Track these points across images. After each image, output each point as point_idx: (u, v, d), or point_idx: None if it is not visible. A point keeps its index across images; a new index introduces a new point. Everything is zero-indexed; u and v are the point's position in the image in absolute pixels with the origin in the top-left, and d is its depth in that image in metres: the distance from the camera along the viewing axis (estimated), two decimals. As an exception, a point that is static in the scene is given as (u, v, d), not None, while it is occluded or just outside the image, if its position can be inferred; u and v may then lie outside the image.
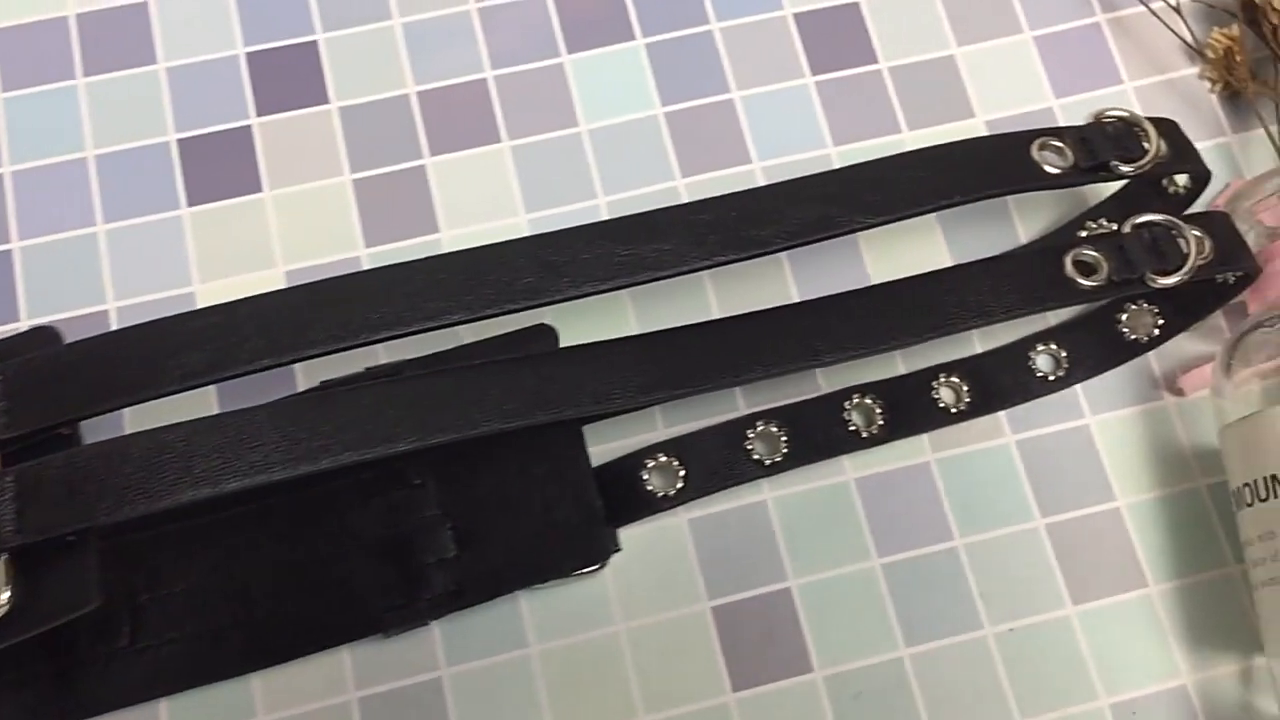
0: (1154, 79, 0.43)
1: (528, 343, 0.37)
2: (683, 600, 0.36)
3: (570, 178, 0.41)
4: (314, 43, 0.42)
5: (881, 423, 0.38)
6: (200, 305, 0.38)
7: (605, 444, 0.38)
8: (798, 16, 0.43)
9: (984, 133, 0.42)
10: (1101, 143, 0.34)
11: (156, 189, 0.40)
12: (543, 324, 0.37)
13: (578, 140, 0.41)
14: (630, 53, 0.42)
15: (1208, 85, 0.42)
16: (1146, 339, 0.39)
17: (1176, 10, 0.41)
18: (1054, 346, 0.39)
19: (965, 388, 0.38)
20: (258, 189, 0.40)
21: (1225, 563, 0.37)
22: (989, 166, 0.33)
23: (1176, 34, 0.41)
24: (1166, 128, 0.35)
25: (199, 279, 0.39)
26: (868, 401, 0.38)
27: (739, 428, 0.37)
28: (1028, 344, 0.39)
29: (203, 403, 0.37)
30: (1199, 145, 0.41)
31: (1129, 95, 0.42)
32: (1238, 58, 0.41)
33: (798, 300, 0.39)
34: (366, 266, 0.39)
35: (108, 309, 0.38)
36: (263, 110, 0.41)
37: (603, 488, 0.36)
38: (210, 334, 0.30)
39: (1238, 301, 0.38)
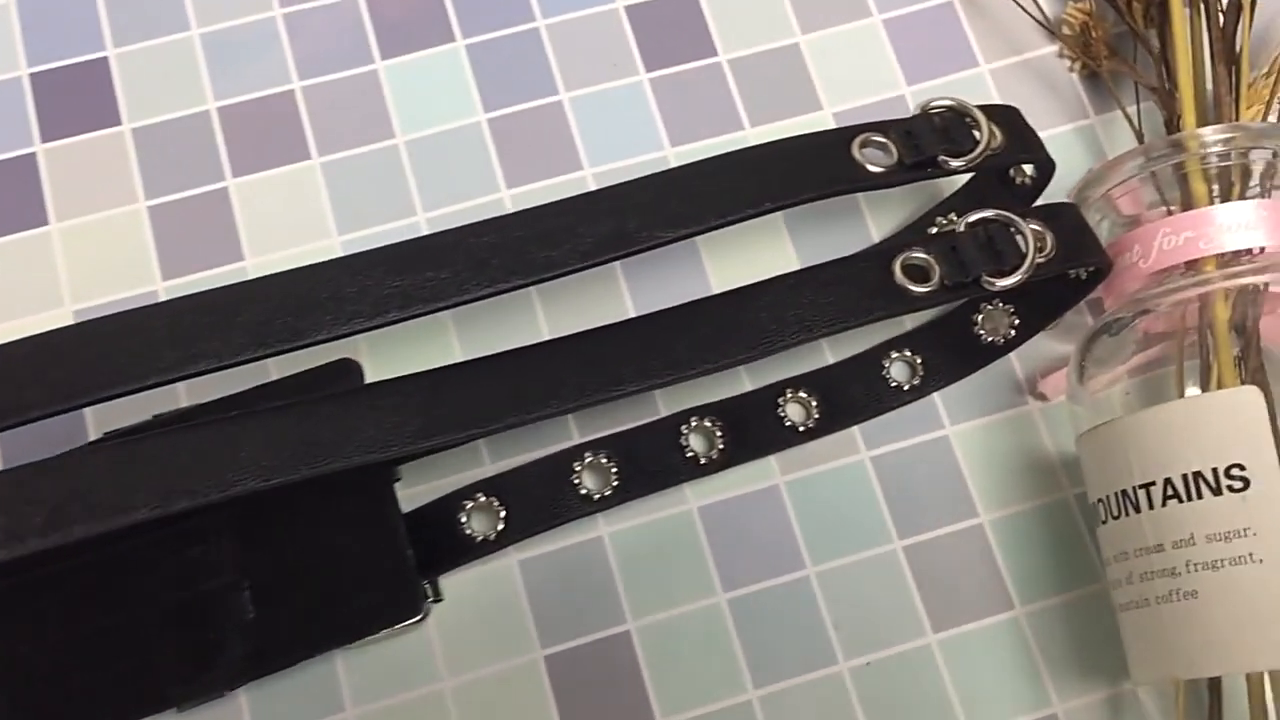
0: (1011, 60, 0.40)
1: (329, 380, 0.34)
2: (513, 650, 0.33)
3: (387, 194, 0.38)
4: (104, 59, 0.39)
5: (722, 446, 0.35)
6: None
7: (426, 483, 0.35)
8: (630, 9, 0.40)
9: (831, 125, 0.39)
10: (928, 136, 0.31)
11: (-69, 227, 0.37)
12: (345, 359, 0.34)
13: (394, 153, 0.38)
14: (449, 55, 0.39)
15: (1067, 64, 0.40)
16: (1003, 341, 0.36)
17: (1025, -14, 0.39)
18: (909, 353, 0.36)
19: (814, 403, 0.36)
20: (43, 222, 0.37)
21: (1096, 579, 0.35)
22: (806, 168, 0.30)
23: (1027, 11, 0.38)
24: (1006, 115, 0.33)
25: (-23, 324, 0.36)
26: (707, 424, 0.35)
27: (565, 461, 0.34)
28: (881, 351, 0.36)
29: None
30: (1059, 129, 0.39)
31: (985, 78, 0.40)
32: (1095, 34, 0.38)
33: (634, 315, 0.37)
34: (164, 299, 0.36)
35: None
36: (48, 136, 0.38)
37: (417, 533, 0.33)
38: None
39: (1096, 297, 0.35)
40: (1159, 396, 0.32)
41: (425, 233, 0.37)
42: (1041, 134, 0.39)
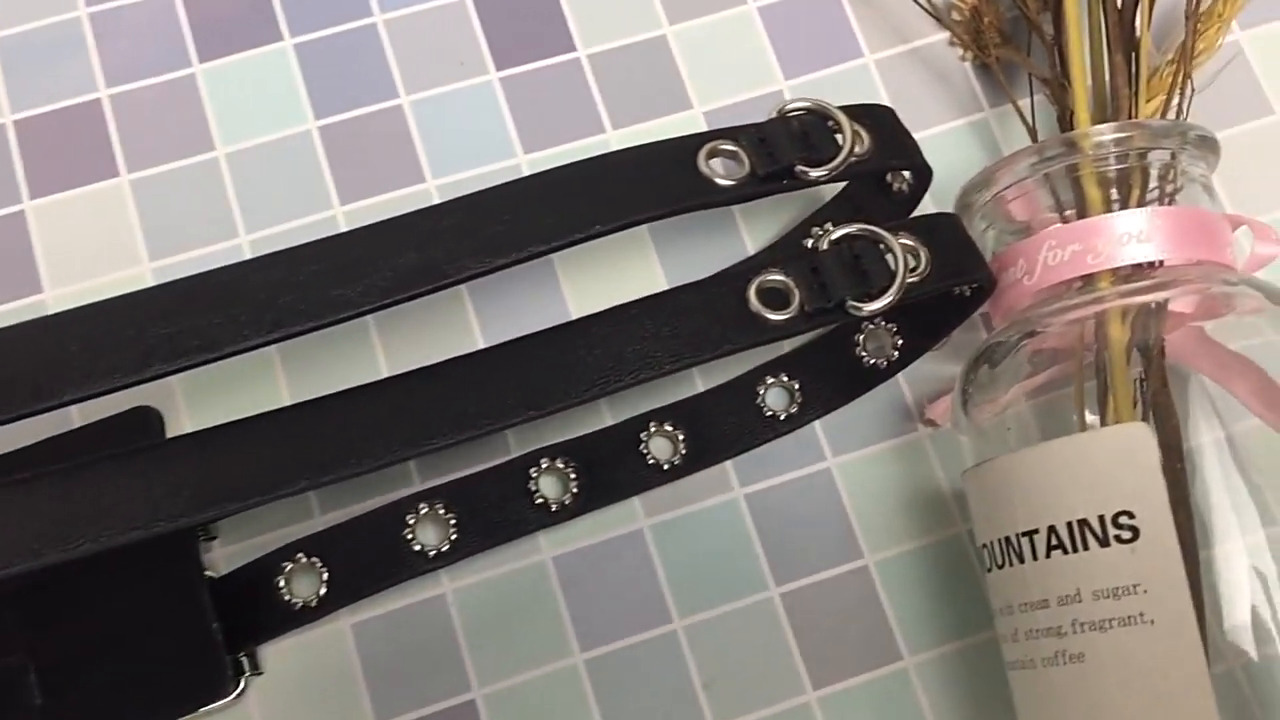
0: (898, 49, 0.36)
1: (125, 431, 0.30)
2: (343, 725, 0.30)
3: (206, 214, 0.34)
4: (-116, 69, 0.35)
5: (576, 490, 0.31)
6: None
7: (250, 539, 0.31)
8: (479, 1, 0.36)
9: (702, 128, 0.35)
10: (784, 143, 0.27)
11: None
12: (142, 407, 0.30)
13: (214, 167, 0.34)
14: (276, 56, 0.35)
15: (959, 54, 0.36)
16: (887, 363, 0.33)
17: (906, -31, 0.35)
18: (786, 378, 0.33)
19: (681, 437, 0.32)
20: None
21: (989, 625, 0.31)
22: (645, 184, 0.27)
23: (911, -3, 0.35)
24: (876, 116, 0.29)
25: None
26: (559, 465, 0.32)
27: (396, 514, 0.30)
28: (755, 377, 0.33)
29: None
30: (952, 123, 0.36)
31: (870, 70, 0.36)
32: (986, 20, 0.35)
33: (482, 346, 0.33)
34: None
35: None
36: None
37: (231, 600, 0.29)
38: None
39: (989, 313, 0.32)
40: (1057, 423, 0.29)
41: (246, 256, 0.33)
42: (933, 129, 0.36)
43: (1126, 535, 0.25)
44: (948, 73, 0.36)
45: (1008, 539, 0.27)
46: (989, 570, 0.28)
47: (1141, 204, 0.29)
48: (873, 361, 0.33)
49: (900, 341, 0.33)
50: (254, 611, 0.30)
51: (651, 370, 0.26)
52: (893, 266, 0.27)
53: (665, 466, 0.32)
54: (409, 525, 0.30)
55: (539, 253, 0.26)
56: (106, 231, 0.33)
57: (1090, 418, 0.28)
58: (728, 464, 0.33)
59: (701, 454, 0.32)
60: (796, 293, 0.27)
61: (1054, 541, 0.26)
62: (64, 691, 0.28)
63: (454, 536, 0.30)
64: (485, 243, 0.26)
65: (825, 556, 0.32)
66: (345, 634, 0.31)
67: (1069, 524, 0.26)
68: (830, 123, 0.28)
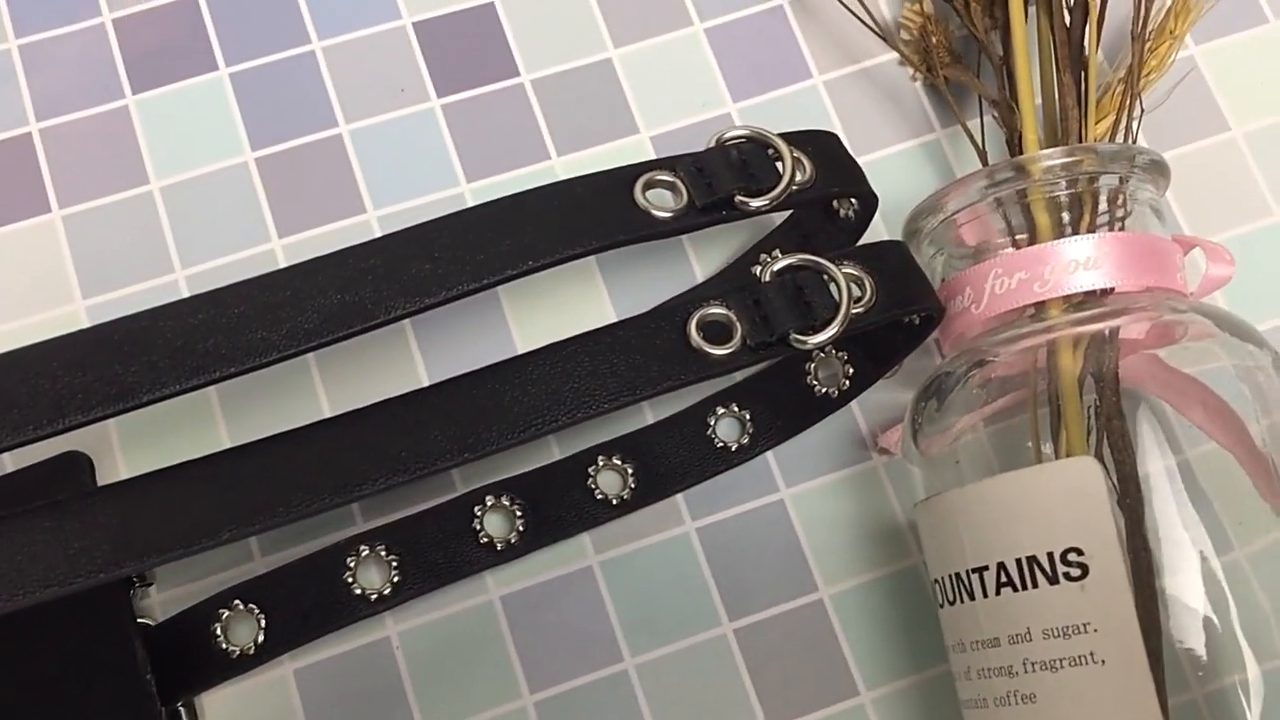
0: (848, 69, 0.36)
1: (53, 478, 0.29)
2: (285, 777, 0.29)
3: (140, 250, 0.33)
4: None
5: (523, 528, 0.31)
6: None
7: (187, 583, 0.30)
8: (419, 25, 0.35)
9: (649, 153, 0.35)
10: (723, 172, 0.27)
11: None
12: (71, 453, 0.29)
13: (148, 201, 0.33)
14: (211, 85, 0.34)
15: (910, 74, 0.36)
16: (838, 392, 0.32)
17: (852, -11, 0.34)
18: (736, 408, 0.32)
19: (630, 470, 0.32)
20: None
21: (944, 659, 0.31)
22: (580, 217, 0.26)
23: (855, 14, 0.34)
24: (819, 142, 0.28)
25: None
26: (505, 503, 0.31)
27: (336, 557, 0.30)
28: (705, 408, 0.32)
29: None
30: (904, 144, 0.35)
31: (820, 91, 0.36)
32: (934, 39, 0.34)
33: (426, 381, 0.32)
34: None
35: None
36: None
37: (168, 649, 0.29)
38: None
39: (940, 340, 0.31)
40: (1010, 453, 0.28)
41: (184, 292, 0.33)
42: (885, 150, 0.35)
43: (1075, 573, 0.25)
44: (898, 93, 0.36)
45: (958, 575, 0.27)
46: (941, 606, 0.28)
47: (1092, 228, 0.28)
48: (824, 390, 0.32)
49: (851, 370, 0.32)
50: (191, 660, 0.29)
51: (589, 409, 0.25)
52: (837, 298, 0.27)
53: (614, 501, 0.31)
54: (349, 568, 0.30)
55: (469, 290, 0.25)
56: (38, 268, 0.33)
57: (1045, 446, 0.28)
58: (679, 497, 0.32)
59: (652, 487, 0.32)
60: (738, 326, 0.26)
61: (1003, 579, 0.25)
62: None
63: (396, 579, 0.30)
64: (413, 282, 0.25)
65: (779, 590, 0.31)
66: (288, 680, 0.30)
67: (1018, 561, 0.25)
68: (771, 151, 0.27)
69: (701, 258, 0.34)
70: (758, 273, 0.27)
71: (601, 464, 0.32)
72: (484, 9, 0.36)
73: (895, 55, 0.36)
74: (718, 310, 0.26)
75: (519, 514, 0.31)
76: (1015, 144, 0.31)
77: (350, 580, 0.30)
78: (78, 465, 0.29)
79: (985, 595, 0.26)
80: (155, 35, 0.35)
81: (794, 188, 0.27)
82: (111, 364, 0.24)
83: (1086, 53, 0.32)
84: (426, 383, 0.32)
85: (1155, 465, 0.27)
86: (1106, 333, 0.28)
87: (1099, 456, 0.27)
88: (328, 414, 0.32)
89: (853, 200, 0.31)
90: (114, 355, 0.24)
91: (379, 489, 0.24)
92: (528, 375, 0.26)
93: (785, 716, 0.30)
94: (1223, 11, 0.36)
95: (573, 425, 0.25)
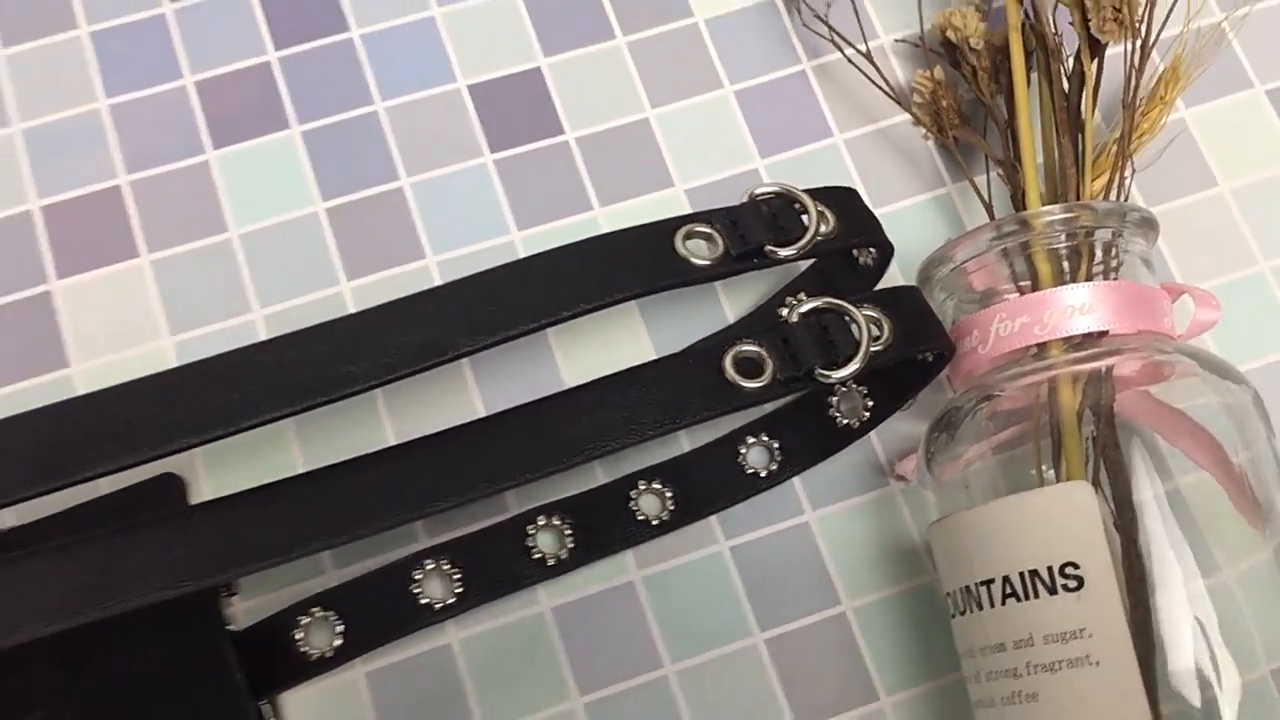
0: (866, 129, 0.39)
1: (151, 497, 0.32)
2: (357, 771, 0.32)
3: (220, 291, 0.36)
4: (-80, 159, 0.37)
5: (572, 545, 0.34)
6: None
7: (268, 593, 0.33)
8: (473, 88, 0.39)
9: (684, 205, 0.38)
10: (755, 225, 0.30)
11: None
12: (167, 474, 0.32)
13: (228, 247, 0.37)
14: (284, 143, 0.38)
15: (923, 134, 0.39)
16: (859, 423, 0.35)
17: (867, 56, 0.38)
18: (766, 438, 0.35)
19: (669, 494, 0.35)
20: None
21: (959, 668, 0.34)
22: (627, 265, 0.29)
23: (871, 79, 0.38)
24: (840, 197, 0.32)
25: None
26: (555, 523, 0.34)
27: (404, 570, 0.33)
28: (737, 437, 0.36)
29: None
30: (918, 198, 0.38)
31: (840, 149, 0.39)
32: (944, 102, 0.38)
33: (482, 412, 0.35)
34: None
35: None
36: None
37: (252, 652, 0.32)
38: None
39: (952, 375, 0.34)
40: (1014, 478, 0.31)
41: (261, 330, 0.36)
42: (900, 203, 0.38)
43: (1072, 584, 0.28)
44: (912, 151, 0.39)
45: (968, 588, 0.30)
46: (953, 616, 0.31)
47: (1089, 277, 0.32)
48: (846, 422, 0.35)
49: (871, 403, 0.35)
50: (274, 662, 0.32)
51: (635, 436, 0.29)
52: (857, 336, 0.30)
53: (654, 522, 0.34)
54: (416, 580, 0.33)
55: (529, 330, 0.28)
56: (128, 309, 0.36)
57: (1047, 472, 0.31)
58: (713, 519, 0.35)
59: (688, 510, 0.35)
60: (769, 362, 0.29)
61: (1008, 590, 0.28)
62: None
63: (459, 590, 0.33)
64: (480, 322, 0.28)
65: (806, 604, 0.34)
66: (360, 682, 0.33)
67: (1021, 574, 0.28)
68: (797, 205, 0.31)
69: (732, 300, 0.37)
70: (785, 314, 0.30)
71: (642, 488, 0.35)
72: (532, 73, 0.39)
73: (909, 117, 0.39)
74: (750, 348, 0.30)
75: (568, 532, 0.34)
76: (1019, 200, 0.35)
77: (417, 591, 0.33)
78: (171, 486, 0.32)
79: (992, 605, 0.29)
80: (233, 96, 0.38)
81: (818, 238, 0.31)
82: (218, 394, 0.27)
83: (1083, 117, 0.35)
84: (482, 413, 0.35)
85: (1146, 492, 0.30)
86: (1102, 371, 0.31)
87: (1096, 482, 0.29)
88: (392, 441, 0.35)
89: (871, 249, 0.34)
90: (220, 387, 0.27)
91: (450, 505, 0.27)
92: (580, 406, 0.29)
93: (820, 711, 0.33)
94: (1211, 78, 0.40)
95: (620, 450, 0.28)
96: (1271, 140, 0.39)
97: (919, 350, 0.31)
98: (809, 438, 0.35)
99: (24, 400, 0.35)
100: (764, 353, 0.29)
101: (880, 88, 0.38)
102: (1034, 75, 0.36)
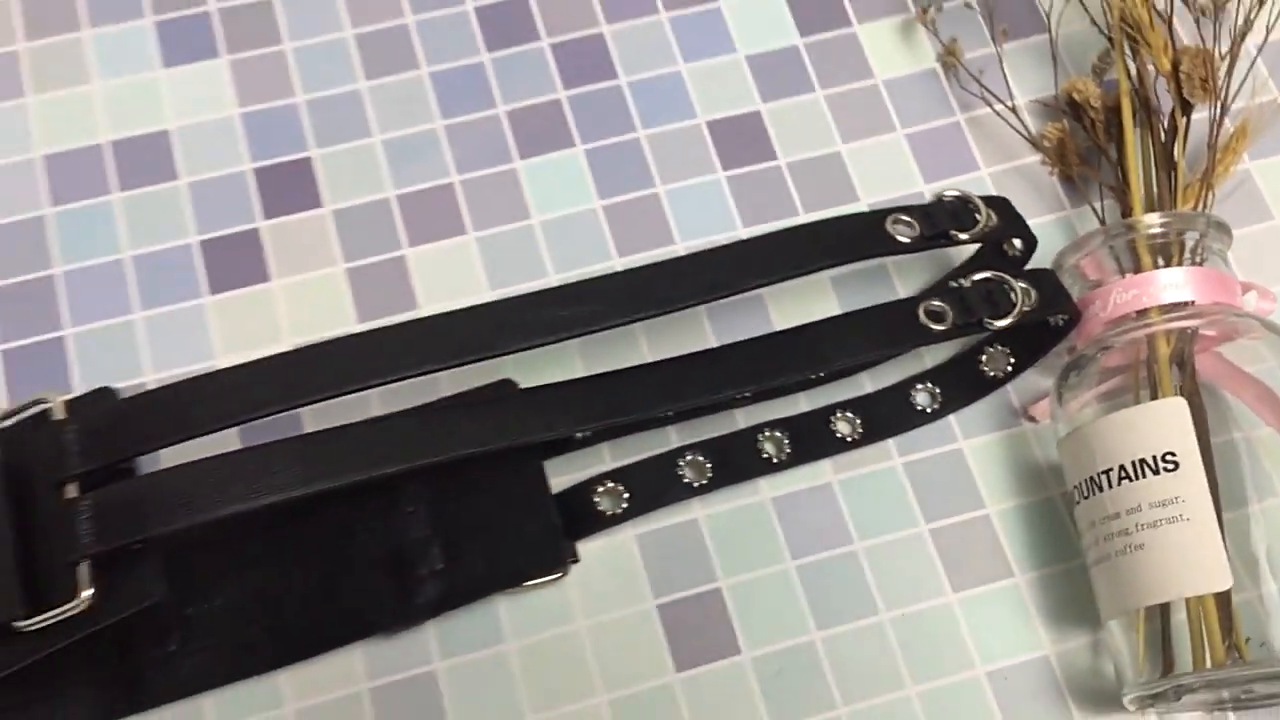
0: (1005, 166, 0.52)
1: (494, 393, 0.45)
2: (632, 601, 0.44)
3: (525, 262, 0.49)
4: (308, 158, 0.50)
5: (789, 451, 0.46)
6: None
7: (564, 475, 0.45)
8: (710, 123, 0.52)
9: (867, 213, 0.51)
10: (942, 216, 0.43)
11: (180, 282, 0.48)
12: (505, 379, 0.45)
13: (530, 230, 0.50)
14: (572, 157, 0.51)
15: (1048, 170, 0.52)
16: (1002, 375, 0.47)
17: (1014, 110, 0.51)
18: (930, 385, 0.47)
19: (858, 421, 0.47)
20: (266, 279, 0.48)
21: (1076, 556, 0.45)
22: (851, 238, 0.42)
23: (1017, 130, 0.51)
24: (999, 203, 0.44)
25: (220, 354, 0.47)
26: (777, 434, 0.46)
27: (671, 458, 0.45)
28: (908, 384, 0.48)
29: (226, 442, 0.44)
30: (1042, 219, 0.51)
31: (985, 180, 0.51)
32: (1068, 147, 0.50)
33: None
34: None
35: (144, 381, 0.46)
36: (269, 214, 0.49)
37: (562, 509, 0.44)
38: (231, 387, 0.38)
39: (1072, 343, 0.46)
40: (1121, 408, 0.43)
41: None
42: (1028, 221, 0.51)
43: (1170, 467, 0.39)
44: (1040, 183, 0.52)
45: (1091, 478, 0.41)
46: (1077, 503, 0.42)
47: (1180, 265, 0.44)
48: (991, 374, 0.47)
49: (1011, 360, 0.47)
50: (579, 517, 0.44)
51: (858, 358, 0.41)
52: (1014, 299, 0.42)
53: (848, 440, 0.46)
54: (680, 466, 0.45)
55: (788, 276, 0.42)
56: (461, 272, 0.49)
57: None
58: (890, 441, 0.47)
59: (872, 433, 0.46)
60: (950, 313, 0.42)
61: (1123, 474, 0.40)
62: (457, 558, 0.42)
63: (709, 476, 0.45)
64: (754, 270, 0.41)
65: (958, 506, 0.46)
66: (632, 542, 0.45)
67: (1133, 462, 0.40)
68: (971, 205, 0.43)
69: (903, 282, 0.49)
70: (961, 282, 0.43)
71: (839, 415, 0.47)
72: (754, 115, 0.52)
73: (1039, 157, 0.52)
74: (936, 303, 0.42)
75: (785, 442, 0.46)
76: (1127, 215, 0.47)
77: (681, 474, 0.45)
78: (508, 385, 0.45)
79: (1111, 486, 0.40)
80: (534, 120, 0.52)
81: (986, 229, 0.43)
82: (573, 305, 0.40)
83: (1175, 159, 0.47)
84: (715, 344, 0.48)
85: (1230, 434, 0.41)
86: (1188, 330, 0.43)
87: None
88: (648, 359, 0.47)
89: (1015, 243, 0.47)
90: (583, 299, 0.40)
91: (730, 394, 0.40)
92: (819, 335, 0.41)
93: (964, 586, 0.45)
94: (1270, 139, 0.52)
95: (846, 366, 0.41)
96: (1317, 187, 0.52)
97: (1055, 313, 0.43)
98: (963, 386, 0.47)
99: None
100: (946, 307, 0.42)
101: (1021, 135, 0.50)
102: (1138, 130, 0.49)
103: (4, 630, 0.35)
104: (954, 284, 0.45)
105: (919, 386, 0.48)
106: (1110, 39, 0.50)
